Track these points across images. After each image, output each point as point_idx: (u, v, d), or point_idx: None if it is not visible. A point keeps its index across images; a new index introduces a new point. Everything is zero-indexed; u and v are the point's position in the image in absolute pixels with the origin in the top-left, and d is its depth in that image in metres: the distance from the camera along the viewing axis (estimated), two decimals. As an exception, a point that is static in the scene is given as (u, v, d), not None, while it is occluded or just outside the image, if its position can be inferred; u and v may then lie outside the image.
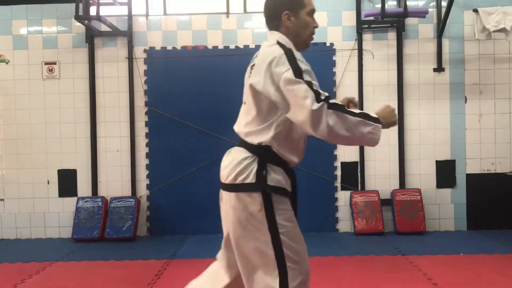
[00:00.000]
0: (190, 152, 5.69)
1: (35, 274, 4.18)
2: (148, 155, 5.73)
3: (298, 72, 1.83)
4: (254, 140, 1.97)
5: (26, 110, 5.75)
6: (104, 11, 5.49)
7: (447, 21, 5.48)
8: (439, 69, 5.64)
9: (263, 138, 1.96)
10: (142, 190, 5.74)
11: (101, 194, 5.72)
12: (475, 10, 5.30)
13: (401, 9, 5.24)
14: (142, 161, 5.74)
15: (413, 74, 5.68)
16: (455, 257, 4.46)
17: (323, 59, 5.67)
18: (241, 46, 5.71)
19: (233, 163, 1.99)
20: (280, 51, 1.90)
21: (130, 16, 5.66)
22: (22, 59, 5.76)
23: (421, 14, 5.37)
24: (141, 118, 5.74)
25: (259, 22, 5.74)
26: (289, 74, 1.83)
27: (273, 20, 2.07)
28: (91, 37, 5.69)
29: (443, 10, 5.47)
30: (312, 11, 2.08)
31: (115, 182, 5.74)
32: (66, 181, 5.73)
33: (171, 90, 5.72)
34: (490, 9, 5.25)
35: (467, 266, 4.14)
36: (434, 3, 5.69)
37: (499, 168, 5.65)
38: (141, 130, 5.74)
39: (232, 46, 5.72)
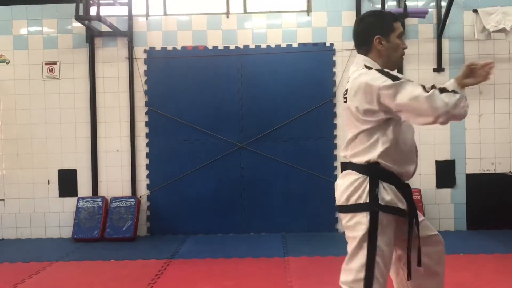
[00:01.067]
0: (190, 152, 5.69)
1: (35, 274, 4.18)
2: (148, 155, 5.74)
3: (396, 79, 1.92)
4: (361, 159, 2.03)
5: (26, 110, 5.76)
6: (104, 11, 5.50)
7: (447, 21, 5.48)
8: (439, 69, 5.64)
9: (370, 156, 2.00)
10: (142, 190, 5.75)
11: (101, 194, 5.72)
12: (475, 10, 5.31)
13: (401, 9, 5.25)
14: (142, 161, 5.74)
15: (413, 74, 5.68)
16: (455, 257, 4.45)
17: (323, 59, 5.67)
18: (241, 46, 5.72)
19: (344, 185, 2.06)
20: (371, 70, 2.01)
21: (130, 16, 5.66)
22: (23, 59, 5.77)
23: (421, 14, 5.37)
24: (141, 118, 5.75)
25: (259, 22, 5.75)
26: (388, 82, 1.91)
27: (363, 45, 2.14)
28: (91, 37, 5.70)
29: (443, 10, 5.47)
30: (402, 33, 2.16)
31: (115, 182, 5.74)
32: (66, 181, 5.74)
33: (171, 90, 5.72)
34: (490, 9, 5.25)
35: (467, 266, 4.14)
36: (434, 3, 5.69)
37: (499, 168, 5.65)
38: (141, 130, 5.75)
39: (232, 46, 5.73)
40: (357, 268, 1.99)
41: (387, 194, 1.98)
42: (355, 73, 2.08)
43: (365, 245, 1.97)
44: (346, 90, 2.09)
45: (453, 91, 1.88)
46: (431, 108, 1.82)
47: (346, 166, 2.16)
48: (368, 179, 1.99)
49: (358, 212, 1.99)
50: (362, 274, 1.97)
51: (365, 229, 1.96)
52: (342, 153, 2.20)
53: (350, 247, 2.05)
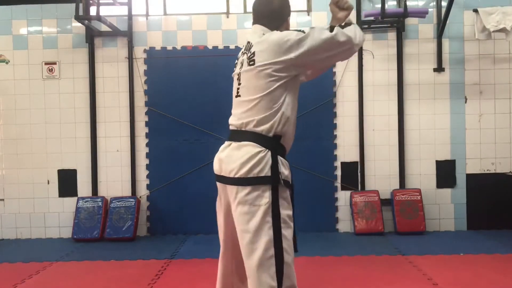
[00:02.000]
0: (190, 152, 5.69)
1: (35, 274, 4.18)
2: (148, 155, 5.74)
3: (302, 31, 2.06)
4: (265, 128, 2.04)
5: (26, 110, 5.75)
6: (104, 11, 5.50)
7: (447, 21, 5.48)
8: (439, 69, 5.64)
9: (275, 124, 2.05)
10: (142, 190, 5.74)
11: (101, 194, 5.72)
12: (475, 10, 5.30)
13: (401, 9, 5.24)
14: (142, 161, 5.74)
15: (413, 74, 5.68)
16: (455, 257, 4.46)
17: (323, 59, 5.66)
18: (241, 46, 5.66)
19: (244, 157, 2.01)
20: (284, 31, 2.12)
21: (130, 16, 5.66)
22: (22, 59, 5.77)
23: (421, 14, 5.37)
24: (141, 118, 5.74)
25: (259, 22, 5.73)
26: (299, 35, 2.04)
27: (277, 20, 2.22)
28: (91, 37, 5.69)
29: (443, 10, 5.47)
30: None
31: (115, 182, 5.74)
32: (66, 181, 5.73)
33: (171, 90, 5.72)
34: (490, 9, 5.25)
35: (467, 266, 4.14)
36: (434, 3, 5.69)
37: (499, 168, 5.65)
38: (141, 130, 5.74)
39: (232, 46, 5.72)
40: (264, 246, 1.93)
41: (285, 169, 2.06)
42: (257, 38, 2.14)
43: (269, 219, 1.94)
44: (253, 53, 2.10)
45: (346, 24, 2.12)
46: (347, 41, 2.05)
47: (238, 135, 2.12)
48: (270, 152, 2.01)
49: (260, 185, 1.96)
50: (271, 251, 1.93)
51: (268, 202, 1.95)
52: (236, 122, 2.14)
53: (251, 223, 1.95)
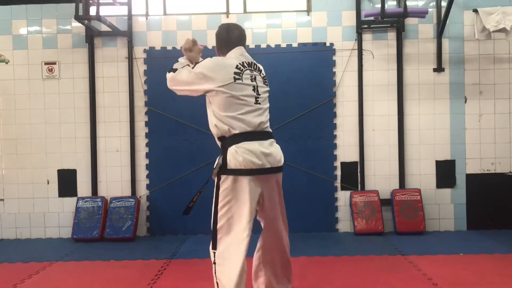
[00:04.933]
0: (190, 152, 5.68)
1: (35, 274, 4.18)
2: (148, 155, 5.73)
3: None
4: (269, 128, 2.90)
5: (26, 110, 5.75)
6: (104, 11, 5.50)
7: (447, 21, 5.48)
8: (439, 69, 5.64)
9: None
10: (142, 190, 5.74)
11: (101, 194, 5.72)
12: (475, 10, 5.30)
13: (401, 9, 5.24)
14: (142, 161, 5.74)
15: (413, 74, 5.68)
16: (455, 257, 4.46)
17: (323, 59, 5.67)
18: (241, 46, 5.70)
19: (279, 150, 2.86)
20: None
21: (130, 16, 5.66)
22: (22, 59, 5.77)
23: (421, 14, 5.37)
24: (141, 118, 5.74)
25: (259, 22, 5.74)
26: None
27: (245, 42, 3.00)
28: (91, 37, 5.69)
29: (443, 10, 5.47)
30: None
31: (115, 182, 5.74)
32: (66, 181, 5.73)
33: (171, 90, 5.70)
34: (490, 9, 5.25)
35: (467, 266, 4.14)
36: (434, 3, 5.69)
37: (499, 168, 5.65)
38: (141, 130, 5.74)
39: (232, 46, 5.72)
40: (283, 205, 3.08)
41: None
42: (256, 64, 2.91)
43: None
44: (265, 77, 2.92)
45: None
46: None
47: (263, 135, 2.81)
48: None
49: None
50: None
51: None
52: (264, 119, 2.81)
53: (281, 195, 2.97)
